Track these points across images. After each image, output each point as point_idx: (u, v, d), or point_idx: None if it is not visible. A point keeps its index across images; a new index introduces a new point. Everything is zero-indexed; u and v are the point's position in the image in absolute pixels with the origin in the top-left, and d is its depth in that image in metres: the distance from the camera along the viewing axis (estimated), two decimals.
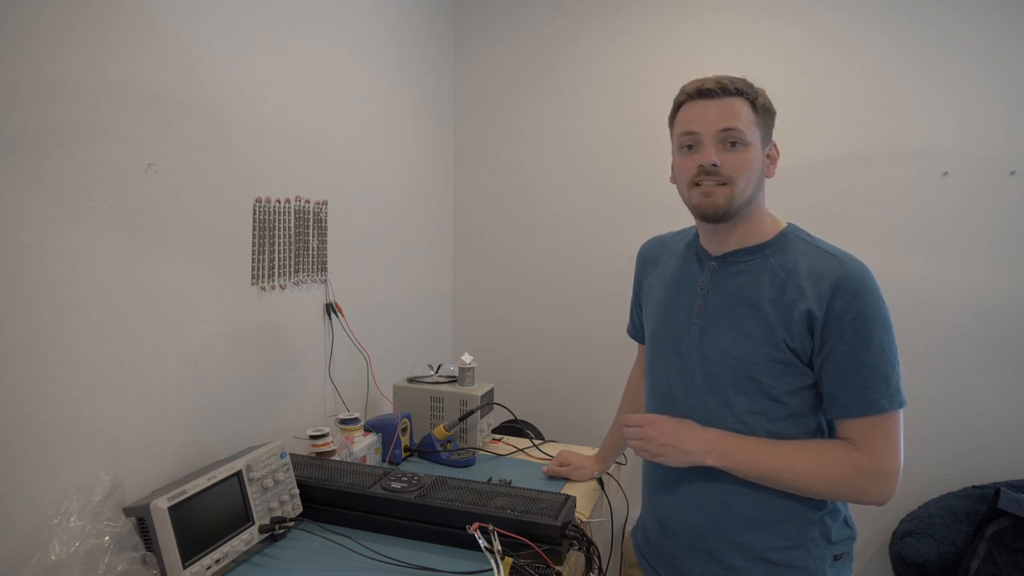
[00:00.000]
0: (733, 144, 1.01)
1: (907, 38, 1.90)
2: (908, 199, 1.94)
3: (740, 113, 1.01)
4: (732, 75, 1.05)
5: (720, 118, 1.01)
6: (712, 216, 1.03)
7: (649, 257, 1.26)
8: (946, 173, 1.90)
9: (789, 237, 1.06)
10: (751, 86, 1.04)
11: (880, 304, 0.98)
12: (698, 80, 1.05)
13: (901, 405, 0.97)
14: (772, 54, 2.02)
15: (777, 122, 2.00)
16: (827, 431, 1.04)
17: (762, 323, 1.01)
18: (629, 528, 1.67)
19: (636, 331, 1.35)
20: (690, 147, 1.04)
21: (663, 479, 1.13)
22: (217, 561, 1.03)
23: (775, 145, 1.07)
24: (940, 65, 1.88)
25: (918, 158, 1.92)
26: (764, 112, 1.03)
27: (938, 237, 1.92)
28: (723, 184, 1.01)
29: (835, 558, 1.04)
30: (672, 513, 1.11)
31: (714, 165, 1.00)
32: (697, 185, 1.03)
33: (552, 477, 1.51)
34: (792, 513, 1.02)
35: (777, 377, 1.00)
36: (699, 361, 1.07)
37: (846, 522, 1.07)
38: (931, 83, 1.89)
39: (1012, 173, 1.85)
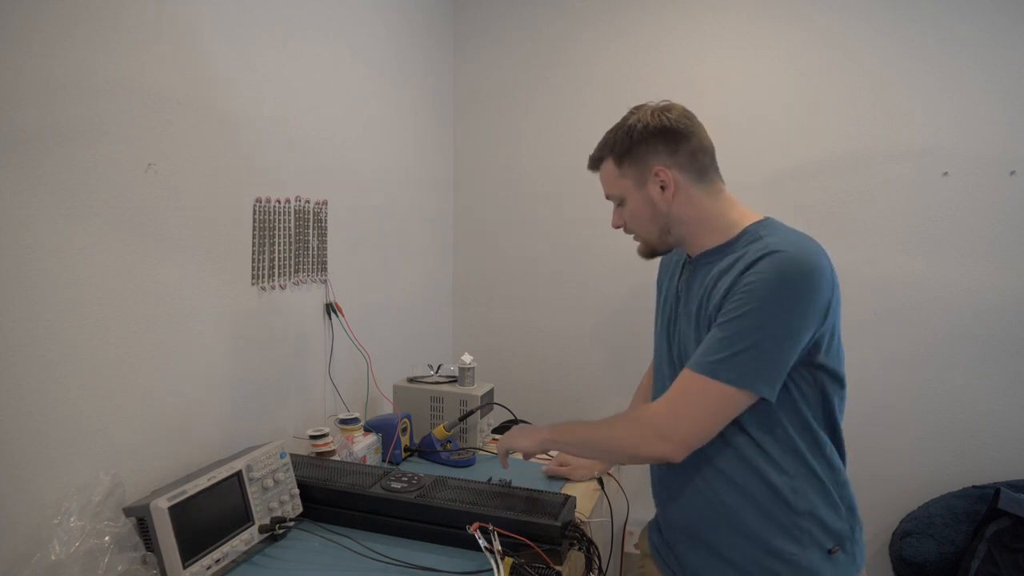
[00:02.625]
0: (617, 204, 1.17)
1: (907, 38, 1.90)
2: (908, 199, 1.93)
3: (607, 178, 1.16)
4: (614, 123, 1.14)
5: (603, 188, 1.18)
6: (645, 258, 1.20)
7: (662, 268, 1.32)
8: (946, 173, 1.90)
9: (749, 234, 1.06)
10: (613, 137, 1.12)
11: (775, 288, 0.95)
12: None
13: (715, 375, 0.96)
14: (772, 54, 2.02)
15: (778, 123, 2.01)
16: (791, 428, 1.03)
17: (698, 318, 1.07)
18: (629, 528, 1.67)
19: None
20: None
21: (659, 476, 1.19)
22: (217, 561, 1.03)
23: (662, 169, 1.07)
24: (940, 65, 1.88)
25: (918, 158, 1.92)
26: (629, 155, 1.10)
27: (938, 237, 1.92)
28: (634, 234, 1.18)
29: (830, 552, 1.03)
30: (672, 508, 1.15)
31: (615, 227, 1.20)
32: None
33: (552, 477, 1.51)
34: (779, 504, 1.03)
35: None
36: (675, 359, 1.14)
37: (846, 514, 1.06)
38: (931, 83, 1.89)
39: (1012, 173, 1.85)
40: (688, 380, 1.00)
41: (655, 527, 1.26)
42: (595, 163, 1.18)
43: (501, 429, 1.89)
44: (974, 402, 1.92)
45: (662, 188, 1.08)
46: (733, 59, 2.05)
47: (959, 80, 1.87)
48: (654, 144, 1.08)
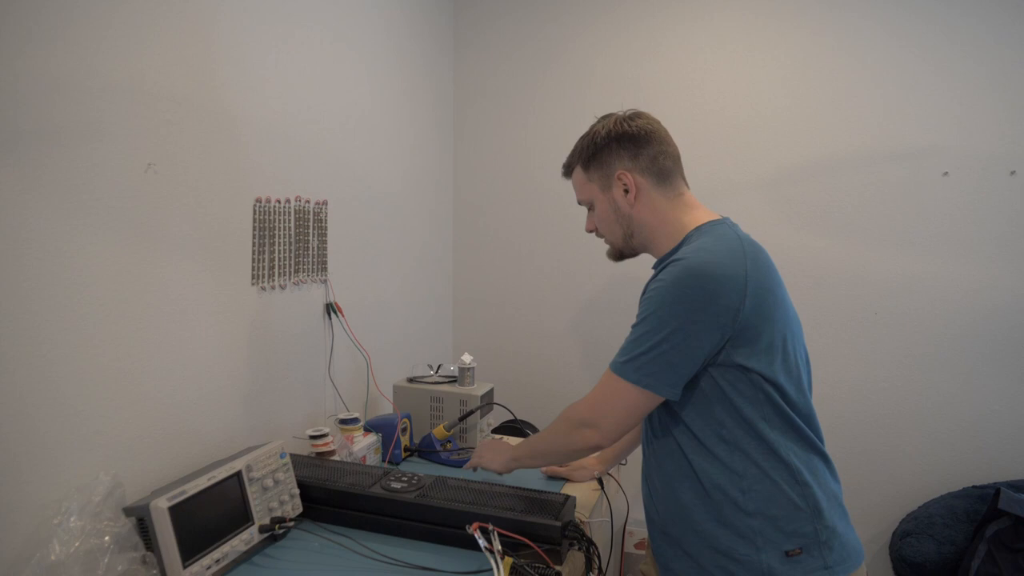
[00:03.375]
0: (588, 209, 1.23)
1: (907, 38, 1.90)
2: (908, 199, 1.94)
3: (578, 184, 1.23)
4: (581, 136, 1.21)
5: (575, 194, 1.25)
6: (615, 261, 1.26)
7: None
8: (946, 173, 1.90)
9: (684, 243, 1.10)
10: (580, 145, 1.20)
11: (669, 295, 1.01)
12: None
13: (624, 375, 1.04)
14: (772, 54, 2.02)
15: (778, 122, 2.02)
16: (735, 427, 1.03)
17: None
18: (629, 528, 1.67)
19: None
20: None
21: (644, 475, 1.21)
22: (217, 561, 1.03)
23: (624, 172, 1.14)
24: (940, 65, 1.88)
25: (918, 158, 1.92)
26: (594, 160, 1.17)
27: (938, 237, 1.92)
28: (604, 239, 1.24)
29: (787, 554, 1.01)
30: (649, 506, 1.18)
31: (588, 232, 1.26)
32: None
33: (552, 477, 1.51)
34: (728, 504, 1.03)
35: None
36: None
37: (810, 515, 1.02)
38: (931, 83, 1.89)
39: (1012, 173, 1.85)
40: (606, 377, 1.09)
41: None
42: (567, 170, 1.25)
43: (501, 429, 1.89)
44: (974, 402, 1.92)
45: (625, 191, 1.15)
46: (733, 59, 2.05)
47: (959, 80, 1.87)
48: (616, 149, 1.15)
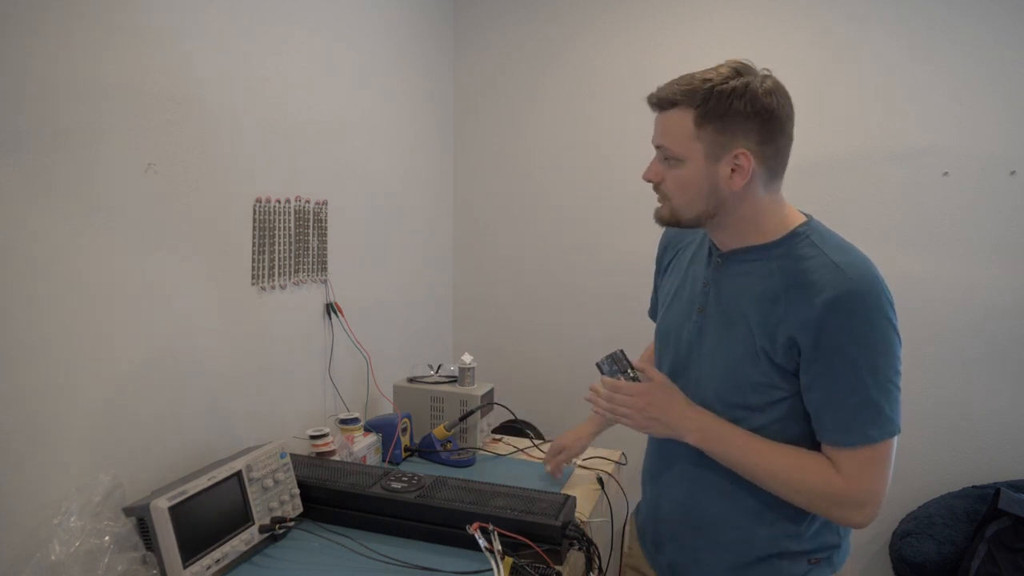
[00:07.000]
0: (668, 160, 0.97)
1: (907, 37, 1.90)
2: (908, 199, 1.93)
3: (672, 129, 0.95)
4: (698, 71, 0.95)
5: (656, 133, 0.98)
6: (660, 224, 1.04)
7: (672, 241, 1.21)
8: (946, 173, 1.90)
9: (799, 238, 0.98)
10: (705, 92, 0.91)
11: (880, 324, 0.91)
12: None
13: (892, 434, 0.92)
14: (772, 54, 2.01)
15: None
16: (809, 442, 0.99)
17: (748, 330, 0.97)
18: (629, 528, 1.66)
19: (654, 311, 1.29)
20: None
21: (649, 472, 1.17)
22: (217, 561, 1.03)
23: (743, 154, 0.92)
24: (940, 65, 1.88)
25: (918, 158, 1.92)
26: (716, 120, 0.91)
27: (938, 237, 1.92)
28: (665, 198, 1.00)
29: (809, 562, 1.01)
30: (655, 502, 1.14)
31: (648, 180, 1.01)
32: None
33: (551, 478, 1.50)
34: (763, 519, 1.00)
35: (758, 388, 0.97)
36: (692, 360, 1.05)
37: (833, 529, 1.03)
38: (931, 83, 1.89)
39: (1012, 173, 1.85)
40: (856, 453, 0.93)
41: (639, 509, 1.23)
42: (666, 104, 0.95)
43: (501, 429, 1.89)
44: (974, 402, 1.92)
45: (732, 171, 0.94)
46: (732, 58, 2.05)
47: (959, 80, 1.87)
48: (749, 123, 0.92)
